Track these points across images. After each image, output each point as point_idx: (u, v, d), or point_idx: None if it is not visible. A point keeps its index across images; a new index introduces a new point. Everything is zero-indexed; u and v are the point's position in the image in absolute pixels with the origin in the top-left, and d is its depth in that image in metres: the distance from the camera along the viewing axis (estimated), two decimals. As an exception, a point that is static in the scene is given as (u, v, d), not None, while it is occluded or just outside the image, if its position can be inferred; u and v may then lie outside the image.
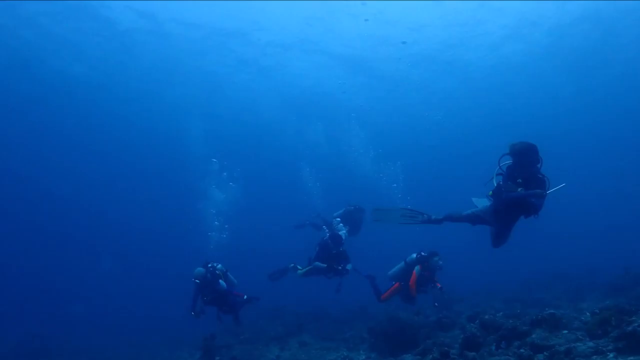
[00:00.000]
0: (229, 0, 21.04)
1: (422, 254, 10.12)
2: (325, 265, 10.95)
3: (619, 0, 21.72)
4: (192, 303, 9.79)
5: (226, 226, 16.73)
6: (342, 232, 11.88)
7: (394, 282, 10.55)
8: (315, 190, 20.73)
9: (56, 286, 31.66)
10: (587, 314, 7.64)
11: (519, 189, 6.27)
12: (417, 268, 9.94)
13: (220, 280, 9.92)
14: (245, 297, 10.32)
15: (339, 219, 13.08)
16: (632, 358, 5.70)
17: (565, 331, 7.24)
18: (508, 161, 6.46)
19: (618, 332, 6.21)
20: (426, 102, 33.59)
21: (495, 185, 6.50)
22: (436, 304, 10.77)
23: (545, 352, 6.52)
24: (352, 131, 25.76)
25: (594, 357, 5.96)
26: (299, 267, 11.49)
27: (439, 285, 9.96)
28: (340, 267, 10.85)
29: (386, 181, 20.07)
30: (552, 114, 35.87)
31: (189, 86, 30.35)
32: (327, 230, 11.96)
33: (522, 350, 6.63)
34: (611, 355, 5.90)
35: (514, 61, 27.85)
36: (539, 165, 6.37)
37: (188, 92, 31.01)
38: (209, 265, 9.98)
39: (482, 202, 7.35)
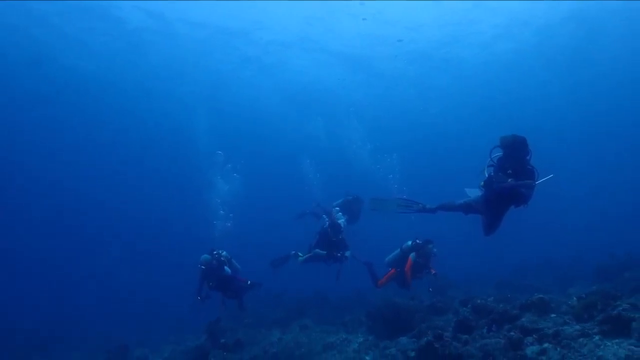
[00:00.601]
0: (232, 1, 20.94)
1: (417, 241, 10.09)
2: (325, 252, 10.91)
3: (603, 1, 21.66)
4: (197, 288, 9.79)
5: (230, 215, 16.64)
6: (341, 221, 11.80)
7: (390, 269, 10.53)
8: (315, 181, 20.65)
9: (65, 276, 31.61)
10: (575, 298, 7.62)
11: (509, 180, 6.26)
12: (412, 255, 9.92)
13: (225, 267, 9.91)
14: (248, 282, 10.32)
15: (338, 208, 13.03)
16: (616, 340, 5.70)
17: (554, 315, 7.23)
18: (499, 153, 6.46)
19: (603, 316, 6.21)
20: (422, 97, 33.59)
21: (487, 176, 6.49)
22: (430, 289, 10.82)
23: (534, 335, 6.52)
24: (350, 125, 25.65)
25: (581, 339, 5.96)
26: (299, 254, 11.45)
27: (434, 272, 9.94)
28: (339, 254, 10.82)
29: (383, 172, 20.01)
30: (541, 108, 35.97)
31: (195, 83, 30.29)
32: (326, 219, 11.89)
33: (512, 333, 6.63)
34: (596, 337, 5.90)
35: (505, 59, 27.85)
36: (528, 157, 6.37)
37: (194, 88, 30.97)
38: (215, 252, 9.97)
39: (474, 193, 7.33)
